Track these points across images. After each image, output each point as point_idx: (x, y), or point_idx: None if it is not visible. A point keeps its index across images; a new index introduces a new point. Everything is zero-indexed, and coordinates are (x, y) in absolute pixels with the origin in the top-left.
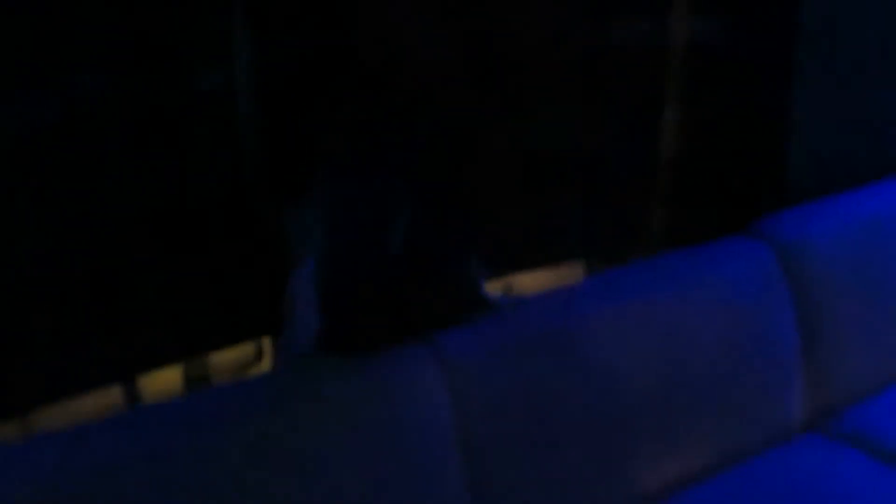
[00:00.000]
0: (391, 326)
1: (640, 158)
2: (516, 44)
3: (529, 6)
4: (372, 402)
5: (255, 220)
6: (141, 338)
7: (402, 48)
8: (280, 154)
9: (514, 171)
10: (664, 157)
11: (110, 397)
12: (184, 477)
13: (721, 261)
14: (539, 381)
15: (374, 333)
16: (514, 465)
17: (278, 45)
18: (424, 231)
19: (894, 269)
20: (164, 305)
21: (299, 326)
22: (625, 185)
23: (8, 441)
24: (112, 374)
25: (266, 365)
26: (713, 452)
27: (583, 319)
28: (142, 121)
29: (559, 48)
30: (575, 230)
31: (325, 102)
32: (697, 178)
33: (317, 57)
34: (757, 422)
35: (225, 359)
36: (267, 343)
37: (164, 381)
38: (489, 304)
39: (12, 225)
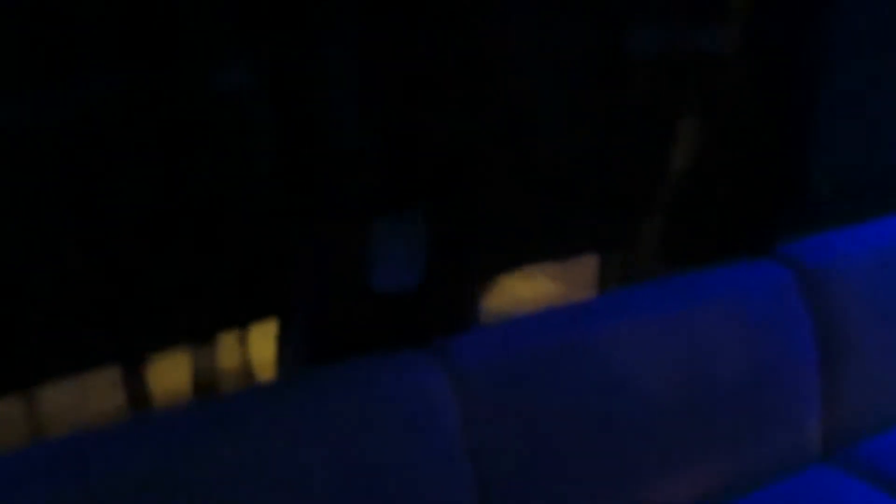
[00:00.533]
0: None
1: (650, 170)
2: (532, 52)
3: (546, 16)
4: (378, 412)
5: (265, 213)
6: (149, 318)
7: (422, 51)
8: (292, 152)
9: (530, 176)
10: (677, 170)
11: (117, 400)
12: (189, 488)
13: (741, 283)
14: (550, 393)
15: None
16: (522, 477)
17: (294, 45)
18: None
19: None
20: (173, 289)
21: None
22: (634, 196)
23: (15, 448)
24: (119, 353)
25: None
26: (723, 477)
27: (598, 334)
28: (154, 119)
29: (575, 56)
30: (586, 237)
31: (340, 102)
32: (712, 193)
33: (333, 57)
34: (771, 448)
35: (232, 364)
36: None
37: (171, 381)
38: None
39: (30, 212)
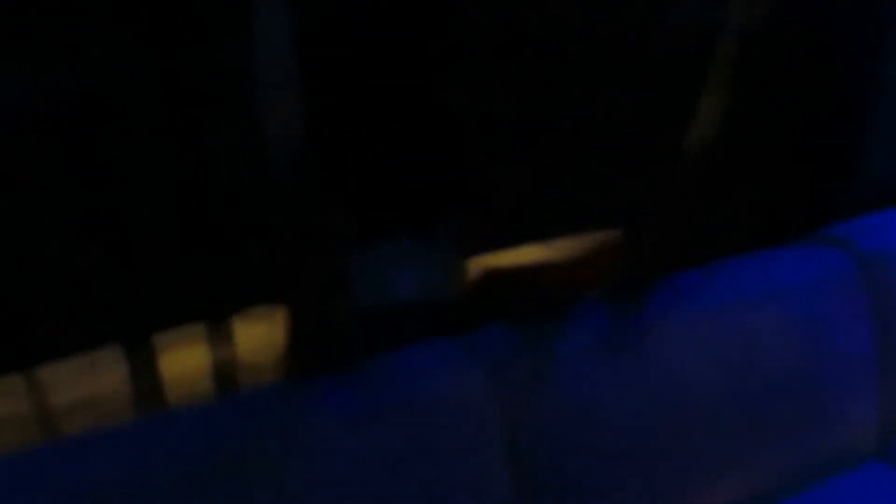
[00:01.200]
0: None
1: (682, 144)
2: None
3: None
4: (413, 406)
5: (275, 198)
6: (157, 296)
7: (443, 23)
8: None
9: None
10: (716, 144)
11: (129, 393)
12: (208, 490)
13: (795, 268)
14: (590, 389)
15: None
16: (560, 474)
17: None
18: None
19: None
20: (182, 269)
21: None
22: (662, 171)
23: (24, 447)
24: (127, 330)
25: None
26: (774, 475)
27: (647, 326)
28: (156, 100)
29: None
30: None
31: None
32: (755, 169)
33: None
34: (825, 445)
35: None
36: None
37: (185, 368)
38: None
39: (38, 192)
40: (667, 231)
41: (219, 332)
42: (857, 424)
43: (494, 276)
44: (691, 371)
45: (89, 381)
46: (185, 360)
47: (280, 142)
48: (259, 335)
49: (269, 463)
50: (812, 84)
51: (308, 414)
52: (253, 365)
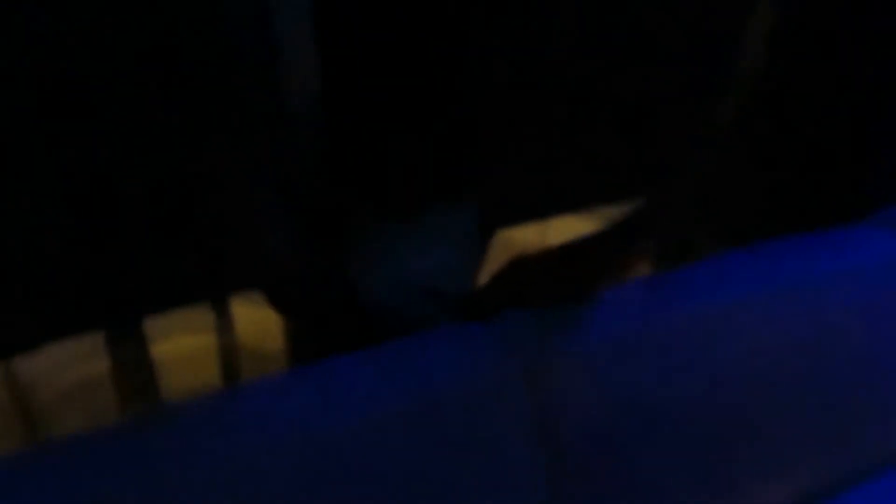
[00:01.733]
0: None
1: (710, 113)
2: None
3: None
4: (423, 408)
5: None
6: (148, 279)
7: None
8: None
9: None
10: (751, 115)
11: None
12: (210, 494)
13: (851, 253)
14: (633, 378)
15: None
16: (596, 471)
17: None
18: None
19: None
20: (179, 246)
21: None
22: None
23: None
24: (120, 311)
25: None
26: (824, 475)
27: (695, 310)
28: (155, 69)
29: None
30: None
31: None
32: (798, 143)
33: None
34: (879, 445)
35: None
36: None
37: (184, 355)
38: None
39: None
40: (709, 205)
41: (220, 318)
42: None
43: (521, 261)
44: (746, 361)
45: (74, 372)
46: (183, 348)
47: (292, 111)
48: (262, 320)
49: (278, 464)
50: (872, 55)
51: (318, 407)
52: (256, 351)
